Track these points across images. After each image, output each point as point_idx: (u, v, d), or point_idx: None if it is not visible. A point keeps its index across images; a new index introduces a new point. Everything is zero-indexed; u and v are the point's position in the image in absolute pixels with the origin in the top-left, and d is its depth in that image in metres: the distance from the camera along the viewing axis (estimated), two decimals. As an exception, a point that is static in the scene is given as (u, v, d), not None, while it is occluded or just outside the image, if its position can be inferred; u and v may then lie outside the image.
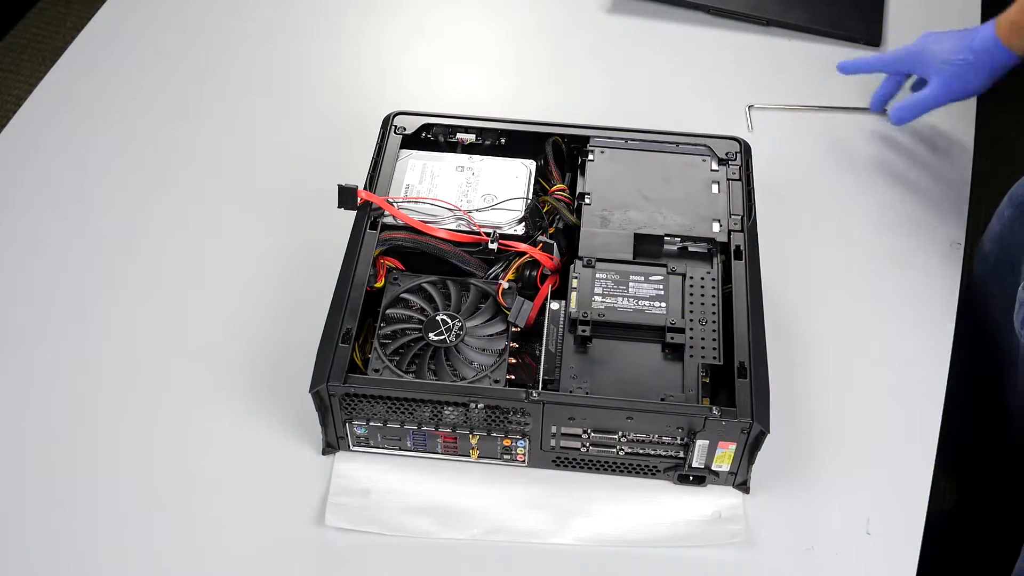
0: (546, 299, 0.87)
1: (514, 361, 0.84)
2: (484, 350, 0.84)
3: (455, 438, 0.83)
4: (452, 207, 0.92)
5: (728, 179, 0.95)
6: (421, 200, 0.93)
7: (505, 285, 0.87)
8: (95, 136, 1.14)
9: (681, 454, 0.82)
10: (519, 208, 0.93)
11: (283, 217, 1.05)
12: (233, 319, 0.96)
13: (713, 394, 0.82)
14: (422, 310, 0.87)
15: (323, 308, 0.84)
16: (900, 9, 1.29)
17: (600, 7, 1.31)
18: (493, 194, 0.94)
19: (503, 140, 1.00)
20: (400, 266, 0.90)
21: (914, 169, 1.10)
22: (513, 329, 0.85)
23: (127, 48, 1.24)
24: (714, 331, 0.84)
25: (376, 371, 0.82)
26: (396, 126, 0.99)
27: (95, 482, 0.85)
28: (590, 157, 0.97)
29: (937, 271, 1.01)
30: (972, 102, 1.16)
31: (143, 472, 0.86)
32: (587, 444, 0.82)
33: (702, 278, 0.88)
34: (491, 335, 0.86)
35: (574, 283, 0.87)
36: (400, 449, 0.85)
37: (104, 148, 1.12)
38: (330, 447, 0.86)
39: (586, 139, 0.99)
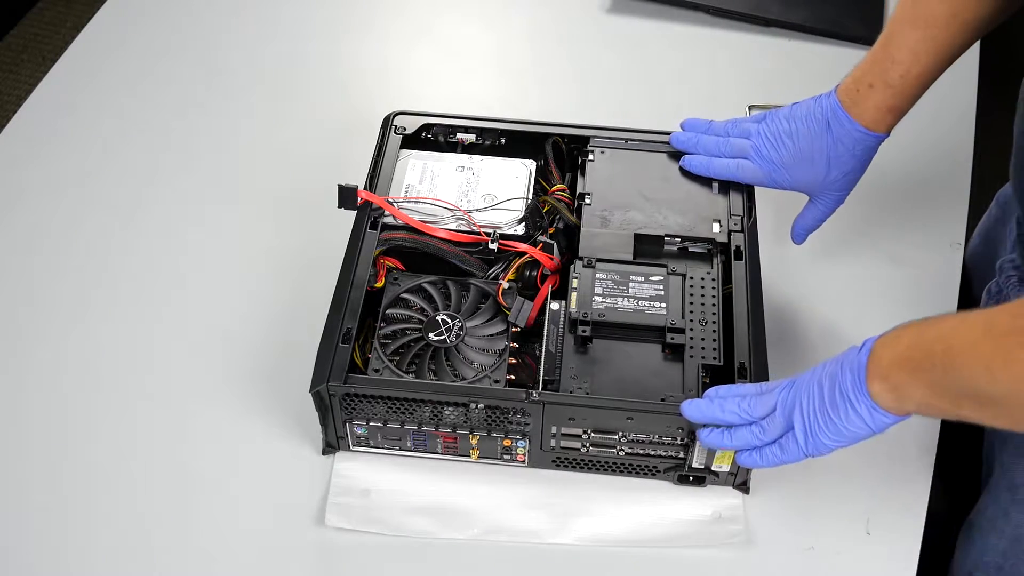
0: (546, 299, 0.87)
1: (514, 361, 0.84)
2: (484, 350, 0.84)
3: (455, 438, 0.83)
4: (452, 207, 0.92)
5: (728, 179, 0.95)
6: (421, 200, 0.93)
7: (505, 285, 0.87)
8: (95, 136, 1.13)
9: (681, 454, 0.82)
10: (519, 208, 0.93)
11: (283, 217, 1.05)
12: (233, 319, 0.96)
13: (713, 394, 0.82)
14: (422, 310, 0.87)
15: (323, 308, 0.84)
16: (900, 9, 1.29)
17: (600, 7, 1.31)
18: (493, 194, 0.94)
19: (503, 140, 0.99)
20: (400, 266, 0.90)
21: (914, 169, 1.10)
22: (513, 329, 0.85)
23: (127, 48, 1.24)
24: (714, 331, 0.84)
25: (376, 371, 0.82)
26: (396, 126, 0.99)
27: (95, 482, 0.85)
28: (590, 157, 0.97)
29: (937, 271, 1.01)
30: (972, 102, 1.16)
31: (143, 472, 0.86)
32: (587, 444, 0.82)
33: (702, 278, 0.88)
34: (491, 335, 0.86)
35: (574, 283, 0.87)
36: (400, 449, 0.85)
37: (104, 148, 1.12)
38: (330, 447, 0.86)
39: (586, 139, 0.99)
